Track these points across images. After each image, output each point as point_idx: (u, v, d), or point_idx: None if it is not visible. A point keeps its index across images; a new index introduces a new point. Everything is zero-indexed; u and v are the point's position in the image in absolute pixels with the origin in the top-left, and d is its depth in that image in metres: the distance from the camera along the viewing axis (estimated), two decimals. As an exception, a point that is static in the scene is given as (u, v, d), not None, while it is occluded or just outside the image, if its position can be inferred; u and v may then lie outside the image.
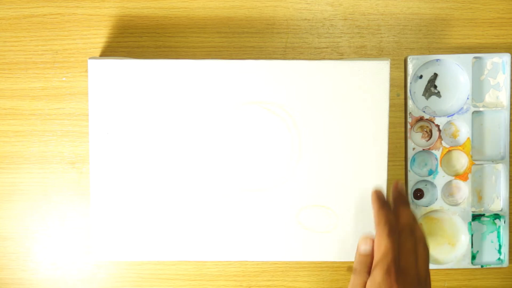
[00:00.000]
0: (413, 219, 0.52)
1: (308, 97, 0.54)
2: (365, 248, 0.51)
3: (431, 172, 0.59)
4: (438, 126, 0.58)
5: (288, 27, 0.60)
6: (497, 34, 0.60)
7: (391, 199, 0.54)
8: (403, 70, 0.60)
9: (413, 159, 0.59)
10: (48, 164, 0.60)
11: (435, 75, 0.59)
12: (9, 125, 0.60)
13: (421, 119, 0.58)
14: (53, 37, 0.59)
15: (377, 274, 0.48)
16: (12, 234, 0.61)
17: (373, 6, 0.60)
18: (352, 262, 0.55)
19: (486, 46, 0.60)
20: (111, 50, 0.59)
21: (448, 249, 0.60)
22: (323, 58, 0.60)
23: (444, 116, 0.58)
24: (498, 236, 0.60)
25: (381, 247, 0.49)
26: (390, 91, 0.55)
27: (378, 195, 0.53)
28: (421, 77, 0.59)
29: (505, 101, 0.59)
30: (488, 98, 0.59)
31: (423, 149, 0.59)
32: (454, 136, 0.59)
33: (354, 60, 0.54)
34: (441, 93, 0.59)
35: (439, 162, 0.58)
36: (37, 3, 0.59)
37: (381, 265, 0.48)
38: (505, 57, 0.58)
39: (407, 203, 0.53)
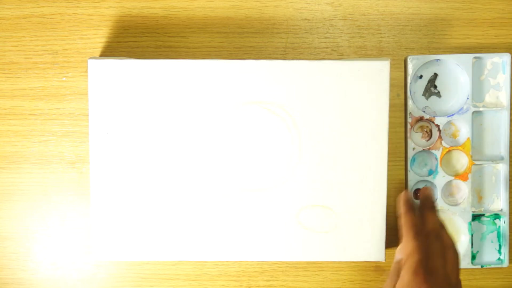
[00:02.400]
0: (440, 224, 0.52)
1: (308, 97, 0.54)
2: (398, 256, 0.51)
3: (431, 172, 0.59)
4: (438, 126, 0.58)
5: (288, 27, 0.60)
6: (497, 34, 0.60)
7: (419, 204, 0.55)
8: (403, 70, 0.60)
9: (413, 159, 0.59)
10: (48, 164, 0.60)
11: (435, 75, 0.59)
12: (9, 125, 0.60)
13: (421, 119, 0.58)
14: (53, 37, 0.60)
15: (405, 274, 0.48)
16: (12, 234, 0.61)
17: (373, 6, 0.60)
18: (354, 262, 0.55)
19: (486, 46, 0.60)
20: (111, 50, 0.60)
21: (448, 249, 0.60)
22: (323, 58, 0.60)
23: (444, 116, 0.58)
24: (498, 236, 0.60)
25: (408, 249, 0.49)
26: (390, 91, 0.55)
27: (405, 198, 0.54)
28: (421, 77, 0.59)
29: (505, 101, 0.59)
30: (488, 98, 0.59)
31: (423, 149, 0.59)
32: (454, 136, 0.59)
33: (354, 60, 0.54)
34: (441, 93, 0.59)
35: (439, 162, 0.58)
36: (37, 3, 0.59)
37: (408, 266, 0.48)
38: (505, 57, 0.58)
39: (434, 208, 0.54)
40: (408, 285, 0.47)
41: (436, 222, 0.52)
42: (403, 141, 0.60)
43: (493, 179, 0.60)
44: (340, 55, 0.60)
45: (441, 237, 0.51)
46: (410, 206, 0.53)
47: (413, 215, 0.52)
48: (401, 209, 0.53)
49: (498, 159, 0.59)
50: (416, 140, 0.59)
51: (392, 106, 0.58)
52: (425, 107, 0.59)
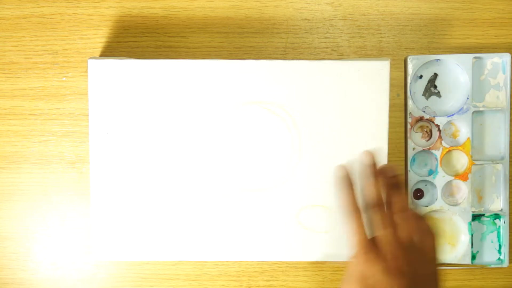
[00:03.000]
0: (388, 187, 0.51)
1: (308, 97, 0.54)
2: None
3: (431, 172, 0.59)
4: (438, 126, 0.58)
5: (288, 27, 0.60)
6: (497, 34, 0.60)
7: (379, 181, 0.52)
8: (403, 70, 0.60)
9: (413, 159, 0.59)
10: (48, 164, 0.60)
11: (435, 75, 0.59)
12: (9, 125, 0.60)
13: (421, 119, 0.58)
14: (53, 37, 0.60)
15: (356, 259, 0.48)
16: (12, 234, 0.61)
17: (373, 6, 0.60)
18: (346, 262, 0.54)
19: (486, 46, 0.60)
20: (111, 50, 0.60)
21: (448, 249, 0.60)
22: (323, 58, 0.60)
23: (444, 116, 0.58)
24: (498, 236, 0.60)
25: (350, 232, 0.49)
26: (390, 91, 0.55)
27: (341, 176, 0.52)
28: (421, 77, 0.59)
29: (505, 101, 0.59)
30: (488, 98, 0.59)
31: (423, 149, 0.59)
32: (454, 136, 0.59)
33: (354, 60, 0.54)
34: (441, 93, 0.59)
35: (439, 162, 0.58)
36: (37, 3, 0.59)
37: (355, 250, 0.48)
38: (505, 57, 0.58)
39: (377, 175, 0.51)
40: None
41: (375, 190, 0.50)
42: (403, 141, 0.60)
43: (493, 179, 0.60)
44: (340, 55, 0.60)
45: (386, 202, 0.50)
46: (346, 183, 0.51)
47: (348, 192, 0.51)
48: (339, 187, 0.52)
49: (498, 159, 0.59)
50: (416, 140, 0.59)
51: (392, 106, 0.58)
52: (425, 107, 0.59)
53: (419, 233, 0.48)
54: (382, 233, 0.48)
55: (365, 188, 0.52)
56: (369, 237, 0.49)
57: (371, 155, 0.52)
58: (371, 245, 0.48)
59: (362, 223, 0.49)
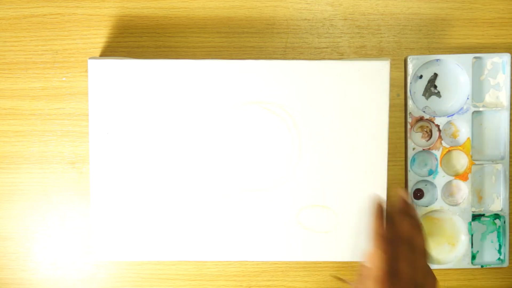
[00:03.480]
0: (415, 227, 0.52)
1: (308, 97, 0.54)
2: (365, 261, 0.51)
3: (431, 172, 0.59)
4: (438, 126, 0.58)
5: (288, 27, 0.60)
6: (497, 34, 0.60)
7: (395, 207, 0.54)
8: (403, 70, 0.60)
9: (413, 159, 0.59)
10: (48, 164, 0.60)
11: (435, 75, 0.59)
12: (9, 125, 0.60)
13: (421, 119, 0.58)
14: (53, 37, 0.60)
15: (368, 281, 0.49)
16: (12, 234, 0.61)
17: (373, 6, 0.60)
18: (354, 262, 0.55)
19: (486, 46, 0.60)
20: (111, 50, 0.60)
21: (448, 249, 0.60)
22: (323, 58, 0.60)
23: (444, 116, 0.58)
24: (498, 236, 0.60)
25: (371, 257, 0.50)
26: (390, 91, 0.55)
27: (375, 205, 0.53)
28: (421, 77, 0.59)
29: (505, 101, 0.59)
30: (488, 98, 0.60)
31: (423, 149, 0.59)
32: (454, 136, 0.59)
33: (354, 60, 0.54)
34: (441, 93, 0.59)
35: (439, 162, 0.58)
36: (37, 3, 0.59)
37: (371, 274, 0.49)
38: (505, 57, 0.58)
39: (407, 213, 0.53)
40: None
41: (407, 227, 0.52)
42: (403, 141, 0.60)
43: (493, 179, 0.60)
44: (340, 55, 0.60)
45: (411, 242, 0.51)
46: (377, 214, 0.53)
47: (381, 221, 0.52)
48: (371, 216, 0.53)
49: (498, 159, 0.59)
50: (416, 140, 0.59)
51: (392, 106, 0.58)
52: (425, 107, 0.59)
53: (425, 274, 0.50)
54: (404, 265, 0.49)
55: (395, 222, 0.52)
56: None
57: (406, 193, 0.54)
58: (392, 274, 0.48)
59: (390, 252, 0.50)
